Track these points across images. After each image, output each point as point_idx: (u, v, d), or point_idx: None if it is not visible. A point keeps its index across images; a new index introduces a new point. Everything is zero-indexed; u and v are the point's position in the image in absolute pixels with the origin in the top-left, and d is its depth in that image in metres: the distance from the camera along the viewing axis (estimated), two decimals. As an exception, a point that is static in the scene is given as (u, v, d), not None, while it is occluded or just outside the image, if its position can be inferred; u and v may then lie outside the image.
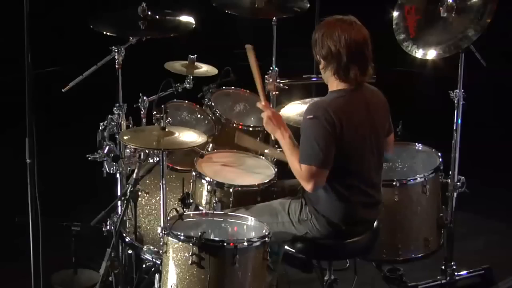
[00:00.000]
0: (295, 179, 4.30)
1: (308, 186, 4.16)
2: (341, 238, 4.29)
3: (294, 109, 5.00)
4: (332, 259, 4.54)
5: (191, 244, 4.02)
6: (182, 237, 4.07)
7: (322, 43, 4.16)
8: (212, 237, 4.18)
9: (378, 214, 4.40)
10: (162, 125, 4.30)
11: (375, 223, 4.42)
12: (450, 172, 5.02)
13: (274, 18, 5.49)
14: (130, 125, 4.81)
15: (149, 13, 4.83)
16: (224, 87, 5.53)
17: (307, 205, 4.30)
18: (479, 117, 6.43)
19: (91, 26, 4.74)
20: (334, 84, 4.22)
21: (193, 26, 4.95)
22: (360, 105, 4.21)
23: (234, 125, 5.25)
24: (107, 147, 4.68)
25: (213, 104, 5.31)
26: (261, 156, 4.96)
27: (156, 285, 4.40)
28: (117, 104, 4.77)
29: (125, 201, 4.59)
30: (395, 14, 5.01)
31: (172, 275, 4.10)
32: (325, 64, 4.20)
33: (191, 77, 5.14)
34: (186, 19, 4.99)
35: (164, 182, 4.23)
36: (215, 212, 4.39)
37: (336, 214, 4.24)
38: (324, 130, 4.09)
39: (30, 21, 4.02)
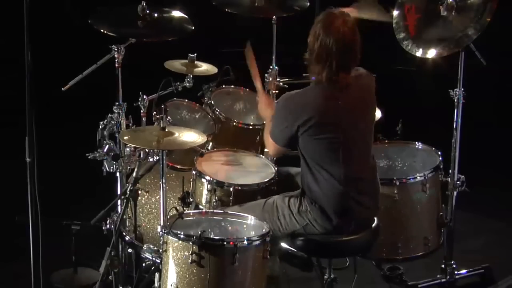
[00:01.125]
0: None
1: (270, 153, 4.56)
2: (339, 229, 4.29)
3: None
4: (331, 257, 4.53)
5: (191, 243, 4.02)
6: (182, 236, 4.07)
7: (310, 35, 4.22)
8: (212, 236, 4.19)
9: (375, 209, 4.40)
10: (162, 126, 4.29)
11: (375, 221, 4.42)
12: (450, 171, 5.02)
13: (274, 16, 5.49)
14: (130, 124, 4.80)
15: (148, 12, 4.82)
16: (224, 86, 5.52)
17: (305, 198, 4.32)
18: (479, 116, 6.43)
19: (91, 23, 4.73)
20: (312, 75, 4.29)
21: (192, 28, 4.94)
22: (334, 97, 4.22)
23: (234, 123, 5.25)
24: (107, 146, 4.67)
25: (213, 102, 5.31)
26: (261, 155, 4.96)
27: (156, 284, 4.40)
28: (117, 103, 4.76)
29: (125, 200, 4.59)
30: (395, 13, 5.00)
31: (172, 274, 4.10)
32: (307, 55, 4.26)
33: (191, 76, 5.13)
34: (185, 19, 4.98)
35: (164, 181, 4.22)
36: (215, 211, 4.39)
37: (329, 204, 4.26)
38: (287, 116, 4.22)
39: (30, 20, 4.01)
